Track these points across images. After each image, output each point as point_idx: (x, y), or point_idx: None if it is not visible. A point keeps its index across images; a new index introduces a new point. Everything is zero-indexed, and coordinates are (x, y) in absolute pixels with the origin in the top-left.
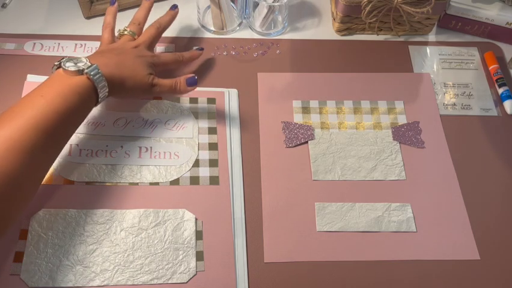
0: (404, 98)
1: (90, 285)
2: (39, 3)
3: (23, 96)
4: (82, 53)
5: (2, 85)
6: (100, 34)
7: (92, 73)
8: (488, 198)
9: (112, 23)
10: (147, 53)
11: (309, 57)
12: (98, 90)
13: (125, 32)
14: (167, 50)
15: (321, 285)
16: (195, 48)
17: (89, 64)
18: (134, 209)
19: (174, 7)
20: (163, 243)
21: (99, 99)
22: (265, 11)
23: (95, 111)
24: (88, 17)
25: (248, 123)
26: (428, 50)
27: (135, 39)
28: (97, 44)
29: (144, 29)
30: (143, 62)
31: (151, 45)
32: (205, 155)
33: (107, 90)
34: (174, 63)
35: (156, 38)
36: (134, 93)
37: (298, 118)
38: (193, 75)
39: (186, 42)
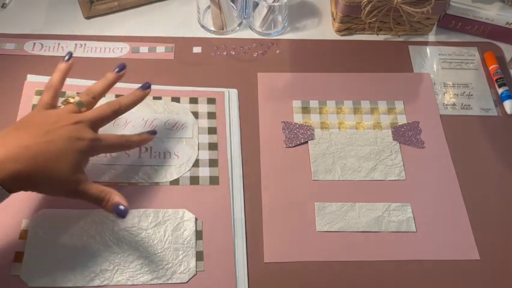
0: (404, 98)
1: (90, 285)
2: (39, 3)
3: (23, 96)
4: (82, 53)
5: (2, 85)
6: (100, 34)
7: None
8: (488, 198)
9: (58, 85)
10: (87, 134)
11: (309, 57)
12: None
13: (71, 100)
14: (167, 50)
15: (321, 285)
16: (145, 131)
17: None
18: (134, 209)
19: (146, 86)
20: (162, 243)
21: None
22: (265, 11)
23: None
24: (88, 17)
25: (248, 123)
26: (428, 50)
27: (81, 112)
28: (97, 44)
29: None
30: (75, 151)
31: (96, 126)
32: (205, 155)
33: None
34: (119, 148)
35: (107, 119)
36: (49, 193)
37: (298, 118)
38: (122, 206)
39: (186, 42)
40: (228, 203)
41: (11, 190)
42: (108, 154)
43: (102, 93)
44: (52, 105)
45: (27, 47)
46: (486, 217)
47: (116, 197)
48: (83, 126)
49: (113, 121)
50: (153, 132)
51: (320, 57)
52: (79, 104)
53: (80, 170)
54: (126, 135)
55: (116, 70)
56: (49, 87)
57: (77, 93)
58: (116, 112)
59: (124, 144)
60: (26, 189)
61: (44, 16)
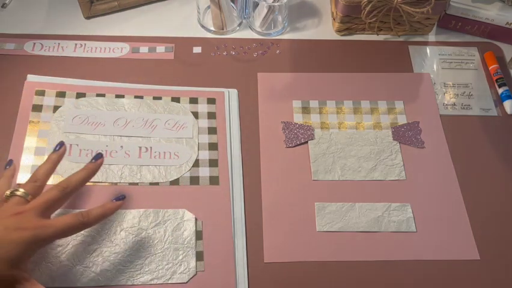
0: (404, 98)
1: (90, 285)
2: (39, 3)
3: (23, 96)
4: (82, 53)
5: (2, 85)
6: (100, 34)
7: None
8: (488, 198)
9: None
10: (30, 223)
11: (309, 57)
12: None
13: (17, 193)
14: (166, 50)
15: (321, 285)
16: (113, 199)
17: None
18: (134, 209)
19: (121, 197)
20: (163, 243)
21: None
22: (265, 11)
23: (94, 111)
24: (88, 17)
25: (248, 123)
26: (428, 50)
27: (28, 201)
28: (97, 44)
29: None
30: (11, 243)
31: (46, 211)
32: (205, 155)
33: None
34: (76, 229)
35: (58, 201)
36: None
37: (298, 118)
38: None
39: (186, 42)
40: (228, 203)
41: None
42: (109, 154)
43: (47, 176)
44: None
45: (27, 47)
46: (486, 217)
47: None
48: (27, 215)
49: (113, 121)
50: (120, 198)
51: (320, 57)
52: (24, 194)
53: (17, 265)
54: (84, 212)
55: (56, 148)
56: (6, 174)
57: (18, 184)
58: (65, 191)
59: (81, 222)
60: None
61: (44, 16)
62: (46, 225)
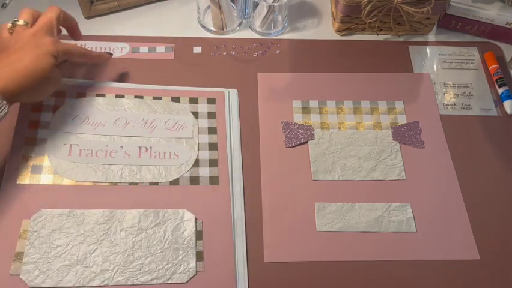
0: (404, 98)
1: (90, 285)
2: (39, 3)
3: None
4: None
5: None
6: (100, 34)
7: None
8: (488, 198)
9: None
10: (47, 38)
11: (309, 57)
12: None
13: (18, 23)
14: (167, 50)
15: (321, 285)
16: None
17: None
18: (134, 209)
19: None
20: (162, 243)
21: None
22: (265, 11)
23: (94, 111)
24: (88, 17)
25: (248, 123)
26: (428, 50)
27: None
28: (97, 44)
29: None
30: (43, 53)
31: (50, 31)
32: (205, 155)
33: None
34: (79, 56)
35: (56, 24)
36: (45, 92)
37: (298, 118)
38: None
39: (186, 42)
40: (228, 203)
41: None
42: (109, 154)
43: (40, 12)
44: (9, 37)
45: None
46: (486, 217)
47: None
48: (40, 33)
49: (113, 121)
50: (110, 53)
51: (319, 57)
52: (25, 23)
53: (53, 61)
54: (87, 49)
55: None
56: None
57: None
58: (61, 19)
59: (84, 52)
60: (20, 100)
61: None
62: (58, 41)
